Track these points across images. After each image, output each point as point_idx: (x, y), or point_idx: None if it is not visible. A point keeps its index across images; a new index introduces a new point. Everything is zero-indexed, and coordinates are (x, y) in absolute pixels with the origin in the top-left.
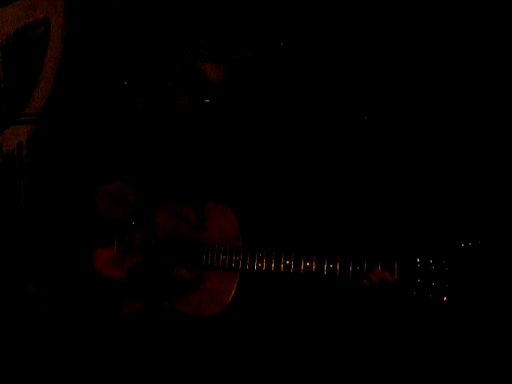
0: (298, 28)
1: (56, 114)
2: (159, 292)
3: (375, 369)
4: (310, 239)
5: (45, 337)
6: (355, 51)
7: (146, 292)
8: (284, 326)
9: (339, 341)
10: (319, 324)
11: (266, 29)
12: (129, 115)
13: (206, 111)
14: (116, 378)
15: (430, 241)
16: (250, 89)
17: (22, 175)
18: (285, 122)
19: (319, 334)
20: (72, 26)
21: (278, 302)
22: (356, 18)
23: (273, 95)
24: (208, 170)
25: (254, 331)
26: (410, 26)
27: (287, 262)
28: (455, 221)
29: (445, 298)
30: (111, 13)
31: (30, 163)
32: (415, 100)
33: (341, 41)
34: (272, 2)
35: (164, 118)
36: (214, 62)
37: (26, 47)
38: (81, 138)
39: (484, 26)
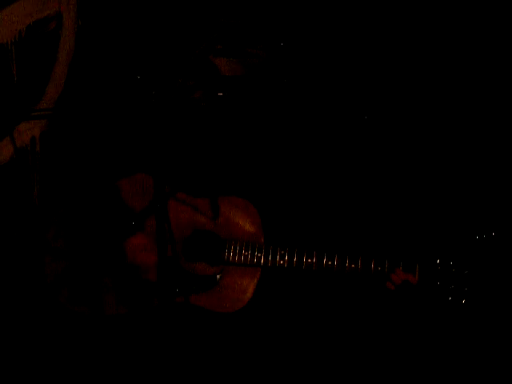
0: (297, 28)
1: (69, 109)
2: (180, 286)
3: (390, 369)
4: (330, 237)
5: (59, 327)
6: (355, 51)
7: (169, 285)
8: (300, 325)
9: (356, 342)
10: (336, 324)
11: (270, 27)
12: (142, 109)
13: (219, 105)
14: (130, 370)
15: (449, 239)
16: (259, 85)
17: (36, 170)
18: (289, 122)
19: (336, 334)
20: (84, 20)
21: (296, 300)
22: (356, 18)
23: (274, 94)
24: (221, 164)
25: (271, 328)
26: (410, 25)
27: (309, 260)
28: (471, 217)
29: (463, 301)
30: (124, 7)
31: (43, 158)
32: (415, 100)
33: (341, 41)
34: (272, 2)
35: (177, 112)
36: (227, 56)
37: (38, 42)
38: (94, 133)
39: (484, 26)
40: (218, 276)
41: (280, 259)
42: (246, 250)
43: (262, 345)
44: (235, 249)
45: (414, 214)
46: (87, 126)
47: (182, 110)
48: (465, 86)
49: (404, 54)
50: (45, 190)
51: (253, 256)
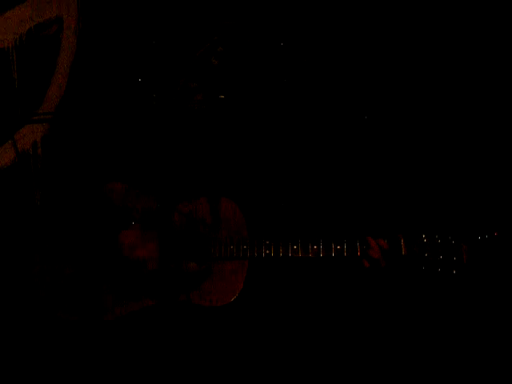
0: (298, 28)
1: (70, 113)
2: (172, 286)
3: (386, 353)
4: (315, 224)
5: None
6: (355, 51)
7: (159, 287)
8: (295, 314)
9: (350, 326)
10: (330, 309)
11: (267, 28)
12: (143, 112)
13: (221, 107)
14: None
15: (436, 224)
16: (259, 86)
17: (38, 174)
18: (287, 121)
19: (331, 319)
20: (85, 23)
21: (289, 290)
22: (356, 18)
23: (274, 94)
24: (220, 166)
25: (265, 321)
26: (410, 26)
27: (294, 247)
28: (458, 206)
29: (454, 272)
30: (124, 10)
31: (45, 162)
32: (415, 99)
33: (341, 41)
34: (272, 2)
35: (178, 115)
36: (228, 58)
37: (39, 46)
38: (95, 136)
39: (484, 26)
40: (206, 272)
41: (266, 249)
42: (231, 244)
43: (251, 338)
44: (220, 244)
45: (403, 202)
46: (89, 130)
47: (183, 113)
48: (465, 86)
49: (404, 54)
50: (47, 193)
51: (238, 249)
